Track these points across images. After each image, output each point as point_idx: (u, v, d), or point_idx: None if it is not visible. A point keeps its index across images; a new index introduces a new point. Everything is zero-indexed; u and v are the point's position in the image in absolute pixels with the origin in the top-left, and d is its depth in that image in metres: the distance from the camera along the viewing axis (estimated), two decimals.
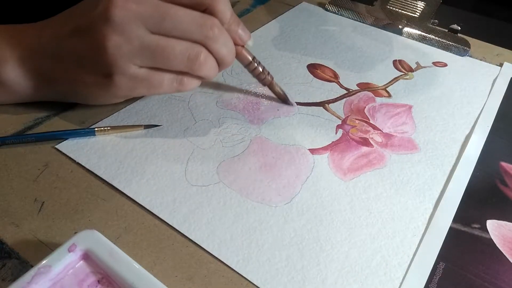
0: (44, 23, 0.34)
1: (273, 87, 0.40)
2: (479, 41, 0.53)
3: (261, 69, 0.38)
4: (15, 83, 0.34)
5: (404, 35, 0.53)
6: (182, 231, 0.29)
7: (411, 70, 0.47)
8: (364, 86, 0.44)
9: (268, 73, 0.38)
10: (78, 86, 0.34)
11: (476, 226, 0.32)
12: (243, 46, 0.36)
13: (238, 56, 0.36)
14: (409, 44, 0.52)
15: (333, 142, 0.37)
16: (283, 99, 0.41)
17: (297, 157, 0.36)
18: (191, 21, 0.30)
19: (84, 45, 0.31)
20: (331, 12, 0.57)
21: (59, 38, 0.32)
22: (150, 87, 0.32)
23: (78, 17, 0.32)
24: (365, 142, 0.38)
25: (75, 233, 0.26)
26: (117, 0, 0.29)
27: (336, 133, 0.38)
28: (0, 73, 0.33)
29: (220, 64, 0.33)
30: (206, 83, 0.43)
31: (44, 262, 0.24)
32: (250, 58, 0.37)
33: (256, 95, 0.42)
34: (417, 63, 0.49)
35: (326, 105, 0.42)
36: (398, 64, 0.48)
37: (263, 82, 0.39)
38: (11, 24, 0.35)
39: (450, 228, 0.31)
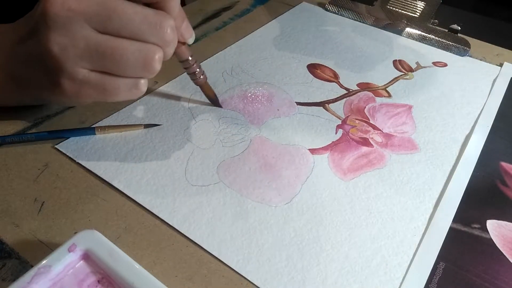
0: (13, 25, 0.32)
1: (204, 89, 0.39)
2: (479, 41, 0.53)
3: (197, 69, 0.36)
4: None
5: (404, 35, 0.53)
6: (182, 231, 0.29)
7: (411, 70, 0.47)
8: (364, 86, 0.44)
9: (203, 73, 0.37)
10: (39, 89, 0.32)
11: (476, 226, 0.32)
12: (183, 43, 0.34)
13: (176, 52, 0.33)
14: (409, 44, 0.52)
15: (333, 142, 0.37)
16: (214, 102, 0.40)
17: (297, 157, 0.36)
18: (143, 20, 0.27)
19: (35, 48, 0.29)
20: (331, 12, 0.57)
21: (20, 42, 0.30)
22: (106, 94, 0.29)
23: (31, 18, 0.29)
24: (365, 142, 0.38)
25: (75, 233, 0.26)
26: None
27: (336, 133, 0.38)
28: None
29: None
30: None
31: (44, 262, 0.24)
32: (187, 57, 0.35)
33: (256, 95, 0.42)
34: (417, 63, 0.49)
35: (326, 105, 0.42)
36: (398, 64, 0.48)
37: (196, 82, 0.37)
38: None
39: (450, 228, 0.31)
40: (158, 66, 0.28)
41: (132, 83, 0.29)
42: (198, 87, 0.38)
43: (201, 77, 0.37)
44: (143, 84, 0.30)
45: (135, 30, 0.27)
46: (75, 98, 0.30)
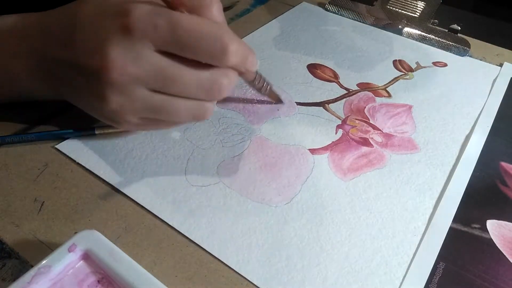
0: (38, 25, 0.31)
1: (271, 96, 0.40)
2: (479, 41, 0.53)
3: (263, 84, 0.36)
4: (27, 82, 0.33)
5: (404, 35, 0.53)
6: (182, 231, 0.29)
7: (411, 70, 0.47)
8: (364, 86, 0.44)
9: (265, 80, 0.36)
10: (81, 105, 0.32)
11: (476, 226, 0.32)
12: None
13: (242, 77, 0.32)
14: (409, 44, 0.52)
15: (333, 142, 0.37)
16: (278, 102, 0.41)
17: (297, 157, 0.36)
18: (199, 86, 0.27)
19: (86, 88, 0.29)
20: (331, 12, 0.57)
21: (59, 61, 0.30)
22: (159, 127, 0.33)
23: (77, 50, 0.28)
24: (365, 142, 0.38)
25: (75, 233, 0.26)
26: (114, 62, 0.26)
27: (336, 133, 0.38)
28: (13, 67, 0.32)
29: None
30: None
31: (44, 262, 0.24)
32: (252, 78, 0.34)
33: (256, 95, 0.42)
34: (417, 63, 0.49)
35: (326, 105, 0.42)
36: (398, 64, 0.48)
37: (263, 93, 0.38)
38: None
39: (450, 228, 0.31)
40: (208, 116, 0.30)
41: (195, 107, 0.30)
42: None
43: (268, 88, 0.37)
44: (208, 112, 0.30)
45: (190, 94, 0.28)
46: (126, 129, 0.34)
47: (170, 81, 0.27)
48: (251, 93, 0.42)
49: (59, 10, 0.31)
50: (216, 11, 0.28)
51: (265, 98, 0.41)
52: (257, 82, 0.35)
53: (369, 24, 0.55)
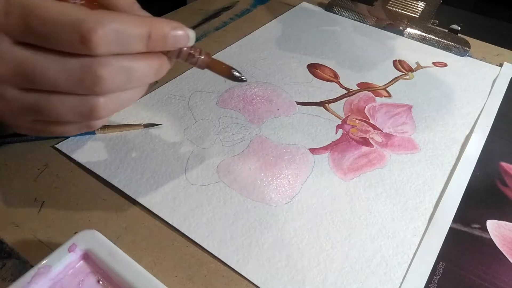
0: None
1: (213, 67, 0.28)
2: (479, 41, 0.53)
3: (190, 51, 0.26)
4: None
5: (404, 35, 0.53)
6: (182, 230, 0.29)
7: (411, 70, 0.47)
8: (364, 86, 0.44)
9: (201, 51, 0.27)
10: None
11: (476, 226, 0.32)
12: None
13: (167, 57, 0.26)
14: (409, 44, 0.52)
15: (333, 142, 0.37)
16: (233, 77, 0.28)
17: (297, 157, 0.36)
18: (68, 78, 0.23)
19: None
20: (331, 12, 0.57)
21: None
22: (55, 134, 0.27)
23: None
24: (365, 142, 0.38)
25: (75, 233, 0.26)
26: None
27: (336, 133, 0.38)
28: None
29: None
30: (206, 83, 0.43)
31: (44, 262, 0.24)
32: (176, 54, 0.26)
33: (256, 95, 0.42)
34: (417, 63, 0.49)
35: (326, 105, 0.42)
36: (398, 64, 0.48)
37: (199, 65, 0.27)
38: None
39: (450, 228, 0.31)
40: (103, 113, 0.24)
41: (80, 126, 0.26)
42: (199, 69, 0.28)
43: (203, 56, 0.27)
44: (94, 124, 0.26)
45: (64, 88, 0.23)
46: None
47: (33, 76, 0.23)
48: (251, 93, 0.42)
49: None
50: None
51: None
52: (188, 57, 0.26)
53: (369, 25, 0.55)
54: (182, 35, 0.24)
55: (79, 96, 0.24)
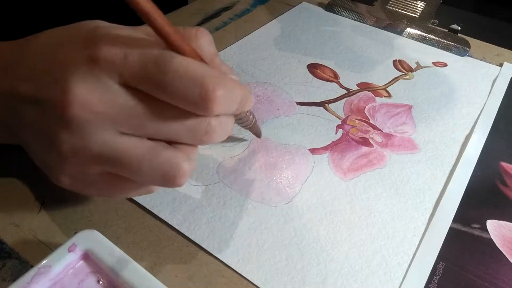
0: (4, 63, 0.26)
1: (253, 129, 0.34)
2: (479, 41, 0.53)
3: (249, 116, 0.31)
4: None
5: (404, 35, 0.53)
6: (182, 231, 0.29)
7: (411, 70, 0.47)
8: (364, 86, 0.44)
9: (252, 114, 0.31)
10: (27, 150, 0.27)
11: (476, 226, 0.32)
12: None
13: None
14: (409, 44, 0.52)
15: (333, 142, 0.37)
16: (258, 136, 0.36)
17: (297, 157, 0.36)
18: (180, 126, 0.22)
19: (40, 131, 0.23)
20: (331, 12, 0.57)
21: (12, 96, 0.24)
22: (108, 195, 0.26)
23: (35, 84, 0.23)
24: (365, 142, 0.38)
25: (75, 233, 0.26)
26: (74, 99, 0.21)
27: (336, 133, 0.38)
28: None
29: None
30: None
31: (44, 262, 0.24)
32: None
33: (256, 95, 0.42)
34: (417, 63, 0.49)
35: (326, 105, 0.42)
36: (398, 64, 0.48)
37: (247, 127, 0.32)
38: None
39: (450, 228, 0.31)
40: (182, 181, 0.23)
41: (144, 191, 0.25)
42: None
43: (254, 120, 0.31)
44: (155, 188, 0.26)
45: (170, 135, 0.22)
46: (69, 189, 0.25)
47: (147, 121, 0.22)
48: (252, 92, 0.42)
49: (12, 42, 0.27)
50: (204, 43, 0.24)
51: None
52: (245, 118, 0.30)
53: (369, 25, 0.55)
54: (252, 99, 0.26)
55: (170, 151, 0.22)
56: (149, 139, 0.23)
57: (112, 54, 0.21)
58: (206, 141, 0.23)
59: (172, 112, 0.22)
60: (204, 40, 0.24)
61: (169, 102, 0.21)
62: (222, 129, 0.23)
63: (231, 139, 0.37)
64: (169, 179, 0.22)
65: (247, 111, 0.29)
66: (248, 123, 0.31)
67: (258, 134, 0.36)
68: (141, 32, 0.23)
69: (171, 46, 0.21)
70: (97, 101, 0.21)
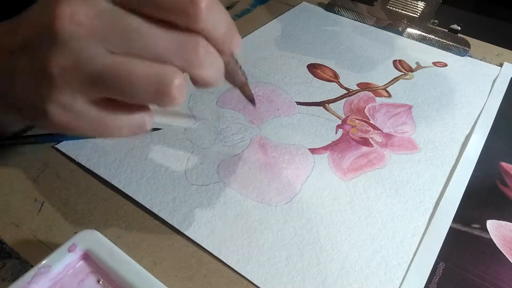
0: (2, 25, 0.27)
1: (245, 89, 0.32)
2: (479, 41, 0.53)
3: (238, 69, 0.30)
4: None
5: (404, 35, 0.53)
6: (182, 230, 0.29)
7: (411, 70, 0.47)
8: (364, 86, 0.44)
9: (244, 72, 0.30)
10: (15, 108, 0.26)
11: (476, 226, 0.32)
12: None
13: None
14: (409, 44, 0.52)
15: (333, 142, 0.37)
16: (252, 102, 0.33)
17: (297, 157, 0.36)
18: (169, 42, 0.22)
19: (29, 63, 0.24)
20: (331, 12, 0.57)
21: (10, 50, 0.25)
22: (101, 132, 0.24)
23: (27, 27, 0.24)
24: (365, 142, 0.38)
25: (75, 233, 0.26)
26: (63, 11, 0.21)
27: (336, 133, 0.38)
28: None
29: (200, 86, 0.24)
30: None
31: (44, 262, 0.24)
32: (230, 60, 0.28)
33: (256, 95, 0.42)
34: (417, 63, 0.49)
35: (326, 105, 0.42)
36: (398, 64, 0.48)
37: (236, 83, 0.31)
38: None
39: (450, 228, 0.31)
40: (177, 93, 0.22)
41: (137, 123, 0.25)
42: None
43: (244, 78, 0.30)
44: (149, 124, 0.25)
45: (158, 53, 0.22)
46: (61, 129, 0.25)
47: (135, 34, 0.22)
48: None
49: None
50: None
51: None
52: (235, 71, 0.29)
53: (369, 25, 0.55)
54: (240, 39, 0.25)
55: (161, 65, 0.22)
56: None
57: None
58: (197, 64, 0.23)
59: (161, 28, 0.22)
60: None
61: (157, 16, 0.22)
62: (211, 58, 0.23)
63: (231, 138, 0.37)
64: (163, 92, 0.22)
65: (237, 62, 0.29)
66: (238, 77, 0.29)
67: (250, 98, 0.33)
68: None
69: None
70: (84, 15, 0.21)
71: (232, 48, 0.25)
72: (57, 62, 0.22)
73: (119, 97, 0.23)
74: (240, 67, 0.30)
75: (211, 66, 0.23)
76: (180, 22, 0.22)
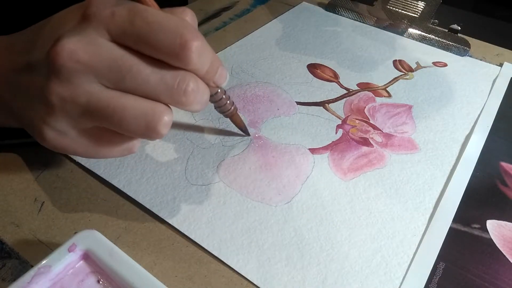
0: (9, 40, 0.29)
1: (234, 119, 0.35)
2: (479, 41, 0.53)
3: (226, 101, 0.31)
4: None
5: (404, 35, 0.53)
6: (182, 230, 0.29)
7: (411, 70, 0.47)
8: (364, 86, 0.44)
9: (233, 103, 0.32)
10: (12, 119, 0.29)
11: (476, 226, 0.32)
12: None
13: None
14: (409, 44, 0.52)
15: (333, 142, 0.37)
16: (244, 131, 0.37)
17: (297, 157, 0.36)
18: (159, 82, 0.24)
19: (31, 85, 0.26)
20: (331, 12, 0.57)
21: (15, 68, 0.27)
22: (92, 155, 0.27)
23: (33, 51, 0.26)
24: (365, 142, 0.38)
25: (75, 233, 0.26)
26: (63, 48, 0.23)
27: (336, 133, 0.38)
28: None
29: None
30: None
31: (44, 262, 0.24)
32: (215, 91, 0.30)
33: (256, 95, 0.42)
34: (417, 63, 0.49)
35: (326, 105, 0.42)
36: (398, 64, 0.48)
37: (226, 114, 0.33)
38: None
39: (450, 228, 0.31)
40: (164, 130, 0.24)
41: (127, 148, 0.27)
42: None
43: (232, 108, 0.32)
44: (137, 147, 0.27)
45: (148, 91, 0.24)
46: (55, 150, 0.27)
47: (128, 74, 0.23)
48: (251, 93, 0.42)
49: (25, 30, 0.29)
50: (188, 16, 0.26)
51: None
52: (222, 101, 0.31)
53: (369, 25, 0.55)
54: (225, 73, 0.27)
55: (153, 102, 0.24)
56: None
57: (101, 11, 0.23)
58: (184, 101, 0.24)
59: (152, 67, 0.24)
60: (188, 16, 0.26)
61: (151, 55, 0.23)
62: (199, 93, 0.25)
63: (231, 138, 0.37)
64: (152, 129, 0.24)
65: (224, 93, 0.31)
66: (226, 108, 0.32)
67: (241, 127, 0.36)
68: None
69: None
70: (82, 52, 0.23)
71: (219, 82, 0.27)
72: (56, 91, 0.24)
73: (111, 128, 0.25)
74: (229, 97, 0.32)
75: (198, 103, 0.25)
76: (172, 63, 0.24)
